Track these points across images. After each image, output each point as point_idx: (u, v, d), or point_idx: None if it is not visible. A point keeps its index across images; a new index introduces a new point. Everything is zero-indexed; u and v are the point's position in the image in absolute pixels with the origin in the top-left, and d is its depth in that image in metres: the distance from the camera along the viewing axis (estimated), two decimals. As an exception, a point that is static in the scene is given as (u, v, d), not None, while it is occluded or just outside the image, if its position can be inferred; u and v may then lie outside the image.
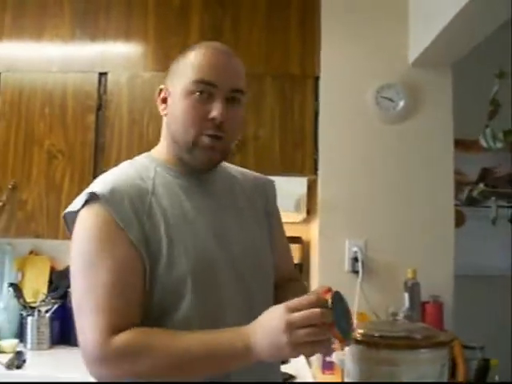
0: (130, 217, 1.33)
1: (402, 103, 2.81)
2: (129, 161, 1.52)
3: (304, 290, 1.70)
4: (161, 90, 1.50)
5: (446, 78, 2.84)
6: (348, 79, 2.86)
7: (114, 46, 2.98)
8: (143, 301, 1.32)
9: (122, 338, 1.25)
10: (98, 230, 1.32)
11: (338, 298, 1.28)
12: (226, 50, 1.47)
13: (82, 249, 1.33)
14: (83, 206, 1.35)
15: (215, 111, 1.39)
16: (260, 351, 1.22)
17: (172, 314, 1.34)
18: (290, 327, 1.17)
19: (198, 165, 1.45)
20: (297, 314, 1.18)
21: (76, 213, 1.36)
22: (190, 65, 1.42)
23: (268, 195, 1.66)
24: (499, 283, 3.37)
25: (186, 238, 1.37)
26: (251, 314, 1.30)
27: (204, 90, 1.39)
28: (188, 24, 2.93)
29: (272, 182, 1.70)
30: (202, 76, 1.40)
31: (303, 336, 1.17)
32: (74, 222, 1.37)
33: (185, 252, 1.36)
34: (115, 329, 1.26)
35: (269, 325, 1.21)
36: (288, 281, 1.68)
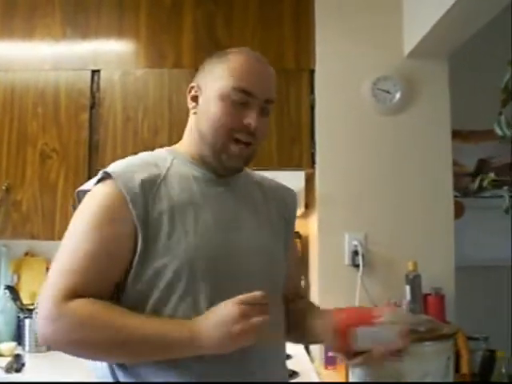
0: (137, 194, 1.35)
1: (398, 95, 2.79)
2: (148, 152, 1.54)
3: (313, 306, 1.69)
4: (192, 87, 1.50)
5: (443, 69, 2.82)
6: (343, 72, 2.83)
7: (106, 43, 2.94)
8: (117, 280, 1.35)
9: (75, 303, 1.27)
10: (101, 203, 1.36)
11: None
12: (263, 59, 1.49)
13: (81, 217, 1.37)
14: (97, 184, 1.40)
15: (249, 118, 1.41)
16: (207, 337, 1.25)
17: (162, 302, 1.34)
18: (244, 315, 1.24)
19: (222, 170, 1.47)
20: (251, 305, 1.26)
21: (86, 193, 1.41)
22: (229, 69, 1.43)
23: (288, 204, 1.65)
24: (499, 273, 3.36)
25: (187, 226, 1.37)
26: None
27: (242, 98, 1.41)
28: (180, 21, 2.90)
29: (293, 192, 1.70)
30: (243, 85, 1.41)
31: (258, 324, 1.23)
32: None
33: (185, 239, 1.36)
34: (75, 295, 1.28)
35: (220, 313, 1.26)
36: (295, 296, 1.67)
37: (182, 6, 2.91)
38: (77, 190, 1.46)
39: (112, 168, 1.40)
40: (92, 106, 2.88)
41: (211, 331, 1.25)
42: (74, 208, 1.43)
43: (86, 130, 2.87)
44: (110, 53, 2.94)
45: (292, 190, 1.70)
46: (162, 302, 1.34)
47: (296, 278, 1.76)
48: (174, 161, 1.47)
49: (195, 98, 1.49)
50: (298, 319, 1.58)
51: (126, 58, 2.94)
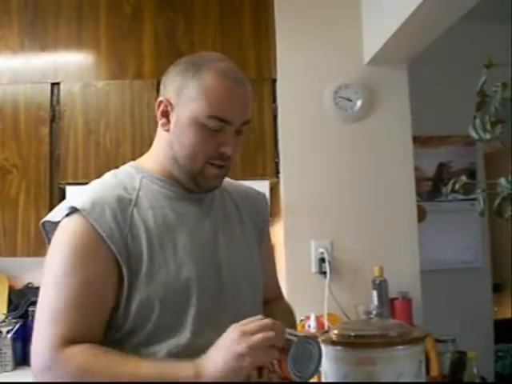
0: (112, 228, 1.30)
1: (359, 102, 2.82)
2: (113, 171, 1.47)
3: (290, 310, 1.68)
4: (161, 102, 1.42)
5: (402, 76, 2.87)
6: (305, 80, 2.85)
7: (66, 55, 2.91)
8: (107, 319, 1.31)
9: (71, 350, 1.24)
10: (76, 242, 1.30)
11: (308, 341, 1.28)
12: (240, 76, 1.40)
13: (58, 259, 1.31)
14: (65, 217, 1.34)
15: (226, 147, 1.36)
16: (213, 369, 1.21)
17: (141, 329, 1.32)
18: (245, 334, 1.20)
19: (199, 191, 1.43)
20: (250, 324, 1.22)
21: (56, 224, 1.35)
22: (204, 93, 1.35)
23: (260, 210, 1.62)
24: (463, 276, 3.42)
25: (167, 251, 1.35)
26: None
27: (217, 125, 1.35)
28: (141, 30, 2.89)
29: (264, 196, 1.67)
30: (219, 113, 1.34)
31: (259, 340, 1.19)
32: (53, 231, 1.35)
33: (165, 265, 1.33)
34: (69, 341, 1.24)
35: (222, 341, 1.23)
36: (275, 299, 1.66)
37: (142, 15, 2.90)
38: (42, 221, 1.40)
39: (79, 203, 1.32)
40: (52, 120, 2.84)
41: (215, 359, 1.21)
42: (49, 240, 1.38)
43: (46, 144, 2.82)
44: (70, 64, 2.91)
45: (262, 194, 1.67)
46: (153, 333, 1.32)
47: (275, 279, 1.73)
48: (142, 180, 1.42)
49: (165, 114, 1.41)
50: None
51: (87, 69, 2.91)
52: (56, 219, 1.35)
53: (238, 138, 1.40)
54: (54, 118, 2.84)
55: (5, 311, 2.99)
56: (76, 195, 1.37)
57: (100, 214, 1.30)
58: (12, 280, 3.12)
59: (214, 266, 1.40)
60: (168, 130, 1.41)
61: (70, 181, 2.74)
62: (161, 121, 1.42)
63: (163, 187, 1.42)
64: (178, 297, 1.33)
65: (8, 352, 2.80)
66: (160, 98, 1.42)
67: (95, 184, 1.43)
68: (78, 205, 1.32)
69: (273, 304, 1.64)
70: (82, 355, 1.24)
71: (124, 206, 1.35)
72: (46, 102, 2.85)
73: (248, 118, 1.40)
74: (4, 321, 2.91)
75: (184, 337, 1.32)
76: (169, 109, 1.40)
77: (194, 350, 1.28)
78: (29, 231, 2.71)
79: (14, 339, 2.84)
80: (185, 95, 1.37)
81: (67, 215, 1.33)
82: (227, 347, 1.20)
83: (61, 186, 2.76)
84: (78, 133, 2.82)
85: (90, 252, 1.30)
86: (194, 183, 1.41)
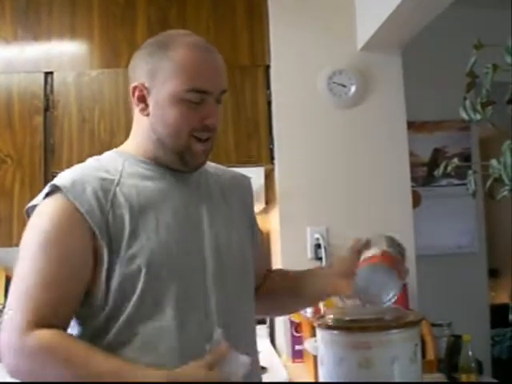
0: (92, 205, 1.30)
1: (353, 88, 2.82)
2: (96, 156, 1.47)
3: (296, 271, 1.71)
4: (135, 87, 1.41)
5: (396, 61, 2.87)
6: (299, 66, 2.85)
7: (59, 44, 2.90)
8: (81, 295, 1.31)
9: (37, 335, 1.23)
10: (54, 220, 1.31)
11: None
12: (209, 46, 1.40)
13: (34, 236, 1.32)
14: (45, 198, 1.34)
15: (210, 118, 1.37)
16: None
17: (124, 308, 1.32)
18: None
19: (186, 169, 1.43)
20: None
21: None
22: (177, 69, 1.35)
23: (245, 192, 1.63)
24: (459, 261, 3.43)
25: (149, 228, 1.34)
26: (217, 310, 1.35)
27: (197, 97, 1.36)
28: (134, 19, 2.88)
29: (248, 179, 1.67)
30: (196, 85, 1.35)
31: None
32: None
33: (147, 244, 1.33)
34: (39, 322, 1.25)
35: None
36: (275, 271, 1.70)
37: (135, 3, 2.89)
38: (26, 207, 1.39)
39: (60, 180, 1.33)
40: (46, 109, 2.84)
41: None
42: None
43: (40, 134, 2.82)
44: (63, 53, 2.90)
45: (248, 177, 1.67)
46: (134, 314, 1.31)
47: (266, 257, 1.76)
48: (125, 162, 1.42)
49: (142, 98, 1.41)
50: (292, 284, 1.62)
51: (80, 58, 2.90)
52: (38, 201, 1.36)
53: (218, 107, 1.41)
54: (48, 107, 2.84)
55: (2, 301, 3.00)
56: (57, 177, 1.38)
57: (80, 192, 1.31)
58: (8, 271, 3.12)
59: (198, 245, 1.40)
60: (148, 115, 1.41)
61: (65, 170, 2.73)
62: (138, 106, 1.42)
63: (147, 169, 1.42)
64: (159, 274, 1.33)
65: (5, 342, 2.81)
66: (133, 84, 1.41)
67: (77, 167, 1.43)
68: (57, 182, 1.33)
69: (272, 276, 1.67)
70: (46, 343, 1.24)
71: (106, 185, 1.35)
72: (39, 91, 2.84)
73: (225, 87, 1.41)
74: (1, 311, 2.91)
75: (164, 319, 1.32)
76: (145, 93, 1.40)
77: (174, 333, 1.31)
78: (24, 221, 2.67)
79: (11, 329, 2.85)
80: (160, 76, 1.37)
81: (48, 195, 1.33)
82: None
83: (55, 175, 2.71)
84: (72, 122, 2.82)
85: (67, 228, 1.30)
86: (181, 162, 1.40)
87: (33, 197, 1.39)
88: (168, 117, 1.37)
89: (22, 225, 2.73)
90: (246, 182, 1.65)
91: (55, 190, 1.33)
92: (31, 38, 2.88)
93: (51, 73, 2.85)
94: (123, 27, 2.87)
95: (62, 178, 1.35)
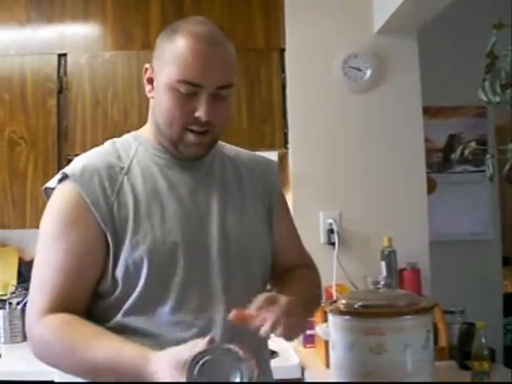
0: (97, 195, 1.34)
1: (369, 72, 2.79)
2: (114, 139, 1.49)
3: (311, 277, 1.66)
4: (146, 68, 1.43)
5: (412, 45, 2.83)
6: (314, 50, 2.82)
7: (72, 26, 2.88)
8: (93, 285, 1.35)
9: (49, 320, 1.29)
10: (63, 209, 1.35)
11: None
12: (216, 38, 1.36)
13: (47, 226, 1.37)
14: (59, 183, 1.38)
15: (200, 111, 1.34)
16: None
17: (130, 295, 1.34)
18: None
19: (183, 158, 1.43)
20: None
21: (53, 190, 1.40)
22: (175, 57, 1.34)
23: (268, 178, 1.59)
24: (472, 248, 3.40)
25: (154, 218, 1.35)
26: (222, 300, 1.35)
27: (188, 89, 1.34)
28: (148, 1, 2.85)
29: (275, 164, 1.64)
30: (187, 77, 1.33)
31: None
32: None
33: (151, 232, 1.34)
34: (52, 308, 1.30)
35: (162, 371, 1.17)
36: (296, 267, 1.62)
37: (149, -15, 2.86)
38: (43, 187, 1.44)
39: (71, 168, 1.38)
40: (59, 91, 2.83)
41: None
42: None
43: (54, 116, 2.82)
44: (77, 36, 2.88)
45: (272, 161, 1.64)
46: (138, 304, 1.34)
47: (296, 250, 1.69)
48: (138, 147, 1.44)
49: (150, 80, 1.42)
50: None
51: (93, 40, 2.88)
52: (52, 185, 1.40)
53: (220, 103, 1.37)
54: (62, 89, 2.83)
55: (14, 283, 3.01)
56: (72, 161, 1.43)
57: (88, 181, 1.35)
58: (21, 252, 3.14)
59: (205, 234, 1.40)
60: (153, 97, 1.42)
61: (78, 152, 2.68)
62: (147, 87, 1.43)
63: (156, 155, 1.43)
64: (163, 263, 1.34)
65: (18, 323, 2.83)
66: (146, 65, 1.43)
67: (92, 151, 1.46)
68: (68, 170, 1.37)
69: (290, 272, 1.61)
70: (50, 329, 1.29)
71: (114, 173, 1.38)
72: (53, 73, 2.83)
73: (226, 83, 1.37)
74: (14, 292, 2.92)
75: (167, 307, 1.34)
76: (153, 75, 1.41)
77: (175, 326, 1.32)
78: (37, 203, 2.71)
79: (24, 311, 2.85)
80: (162, 61, 1.38)
81: (60, 181, 1.38)
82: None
83: (69, 157, 2.75)
84: (86, 103, 2.81)
85: (76, 218, 1.34)
86: (177, 151, 1.41)
87: (46, 179, 1.45)
88: (162, 103, 1.38)
89: (36, 207, 2.76)
90: (271, 167, 1.62)
91: (66, 176, 1.37)
92: (45, 21, 2.86)
93: (65, 55, 2.84)
94: (137, 9, 2.85)
95: (73, 165, 1.39)
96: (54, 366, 1.35)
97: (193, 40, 1.34)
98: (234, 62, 1.40)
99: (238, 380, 1.12)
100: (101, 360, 1.25)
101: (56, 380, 1.93)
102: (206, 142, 1.40)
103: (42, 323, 1.30)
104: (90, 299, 1.36)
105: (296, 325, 1.30)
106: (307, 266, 1.68)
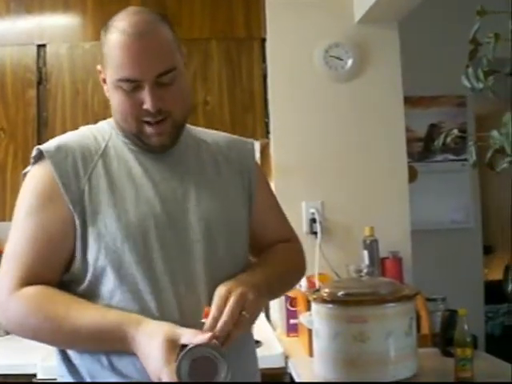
0: (69, 176, 1.35)
1: (350, 61, 2.79)
2: (90, 125, 1.51)
3: (290, 250, 1.65)
4: (99, 70, 1.43)
5: (393, 35, 2.82)
6: (295, 40, 2.82)
7: (52, 16, 2.85)
8: (64, 263, 1.36)
9: (22, 292, 1.31)
10: (37, 187, 1.37)
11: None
12: (142, 28, 1.33)
13: (21, 203, 1.39)
14: (34, 164, 1.40)
15: (146, 104, 1.34)
16: (139, 352, 1.25)
17: (103, 280, 1.34)
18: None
19: (152, 150, 1.43)
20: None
21: None
22: (109, 57, 1.35)
23: (245, 158, 1.58)
24: (453, 236, 3.44)
25: (128, 203, 1.36)
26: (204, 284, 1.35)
27: (129, 86, 1.34)
28: (127, -10, 2.83)
29: (250, 144, 1.63)
30: (122, 75, 1.33)
31: None
32: None
33: (125, 216, 1.34)
34: (26, 281, 1.32)
35: (149, 353, 1.22)
36: (278, 242, 1.62)
37: (129, -26, 2.83)
38: (23, 172, 1.45)
39: (46, 146, 1.39)
40: (39, 82, 2.80)
41: (143, 353, 1.24)
42: None
43: (33, 107, 2.79)
44: (56, 26, 2.85)
45: (249, 142, 1.63)
46: (113, 283, 1.33)
47: (278, 223, 1.68)
48: (112, 131, 1.45)
49: (104, 81, 1.42)
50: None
51: (73, 30, 2.86)
52: (29, 169, 1.42)
53: (166, 89, 1.36)
54: (41, 80, 2.80)
55: (-4, 276, 2.98)
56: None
57: (61, 160, 1.36)
58: (2, 245, 3.10)
59: (183, 219, 1.39)
60: (109, 96, 1.43)
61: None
62: (104, 87, 1.44)
63: (129, 143, 1.43)
64: (137, 247, 1.33)
65: (0, 316, 2.80)
66: (98, 66, 1.44)
67: (68, 133, 1.47)
68: (43, 147, 1.38)
69: (273, 247, 1.61)
70: (29, 299, 1.30)
71: (88, 155, 1.39)
72: (32, 63, 2.80)
73: (164, 69, 1.34)
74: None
75: (143, 296, 1.33)
76: (103, 75, 1.42)
77: (154, 314, 1.31)
78: (17, 195, 2.68)
79: (4, 303, 2.83)
80: (103, 61, 1.40)
81: (35, 161, 1.39)
82: (151, 369, 1.22)
83: (49, 148, 2.73)
84: (66, 94, 2.79)
85: (48, 197, 1.35)
86: (142, 143, 1.41)
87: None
88: (113, 101, 1.40)
89: (15, 199, 2.72)
90: (246, 146, 1.61)
91: (41, 155, 1.38)
92: (24, 11, 2.82)
93: (44, 45, 2.81)
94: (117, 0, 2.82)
95: (49, 143, 1.41)
96: (30, 337, 1.35)
97: (119, 36, 1.33)
98: (169, 46, 1.37)
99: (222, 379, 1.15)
100: (84, 324, 1.27)
101: (39, 376, 1.93)
102: (168, 130, 1.39)
103: (16, 296, 1.30)
104: (61, 276, 1.36)
105: (247, 320, 1.30)
106: (290, 241, 1.68)
